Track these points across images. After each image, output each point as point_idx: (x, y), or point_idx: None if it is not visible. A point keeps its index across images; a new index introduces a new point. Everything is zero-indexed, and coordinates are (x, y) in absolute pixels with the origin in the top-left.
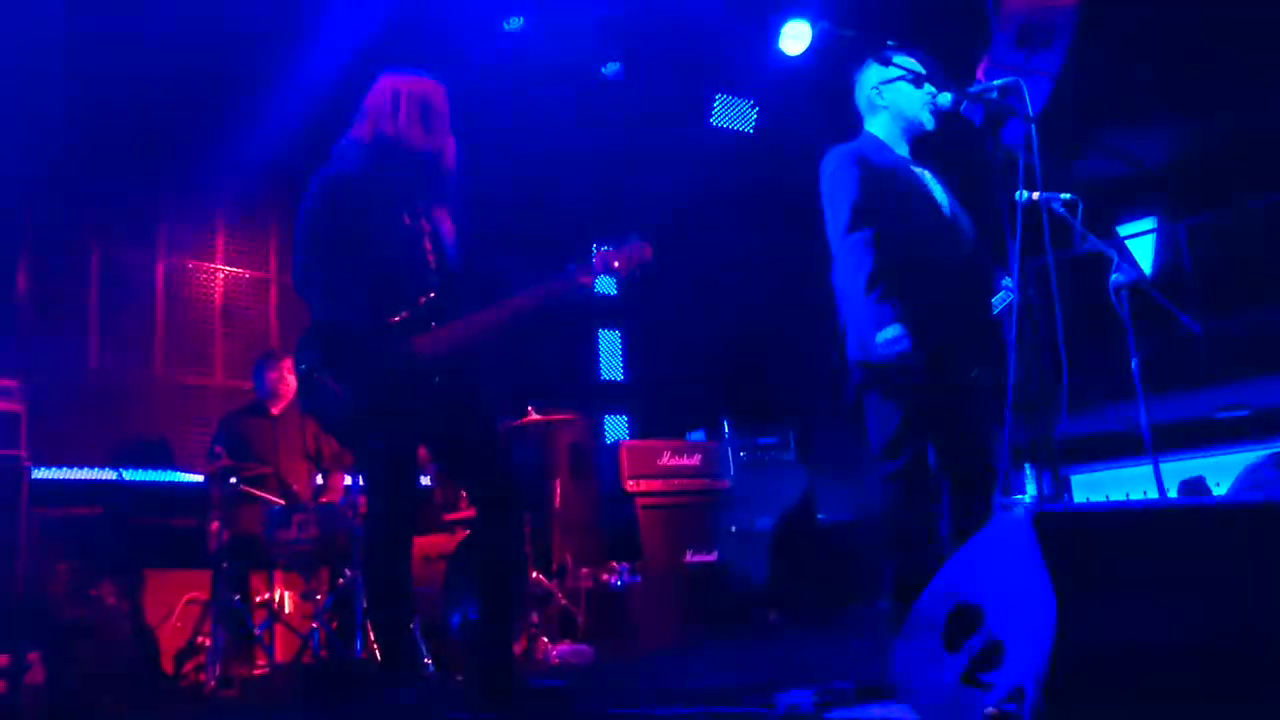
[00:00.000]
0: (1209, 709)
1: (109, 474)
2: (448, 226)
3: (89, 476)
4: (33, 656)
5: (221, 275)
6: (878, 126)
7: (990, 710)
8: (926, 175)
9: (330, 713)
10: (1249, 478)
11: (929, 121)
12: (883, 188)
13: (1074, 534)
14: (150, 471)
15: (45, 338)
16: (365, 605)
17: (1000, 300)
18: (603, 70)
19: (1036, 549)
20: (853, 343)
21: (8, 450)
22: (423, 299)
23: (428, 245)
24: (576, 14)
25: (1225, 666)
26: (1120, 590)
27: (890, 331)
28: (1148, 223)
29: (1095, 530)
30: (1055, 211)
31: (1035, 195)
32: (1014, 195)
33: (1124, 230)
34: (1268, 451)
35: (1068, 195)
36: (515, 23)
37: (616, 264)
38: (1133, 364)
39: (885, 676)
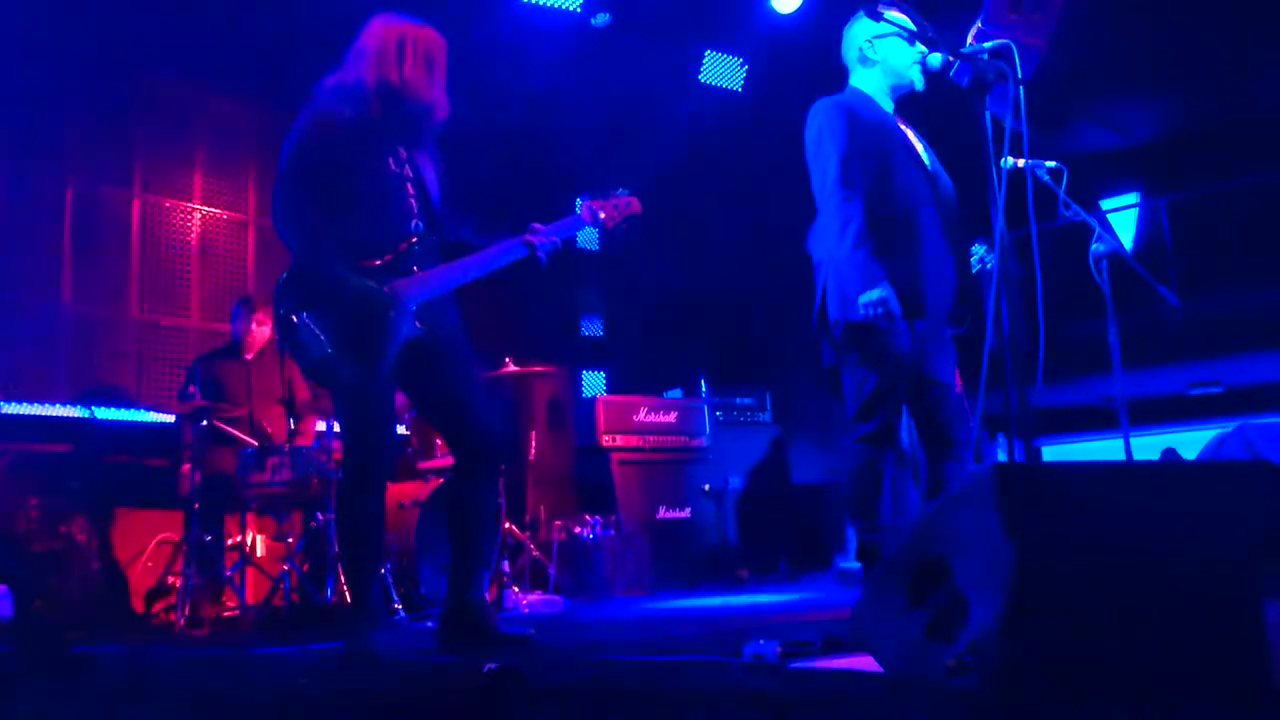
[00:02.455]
0: (1162, 663)
1: (81, 412)
2: (432, 173)
3: (61, 414)
4: (1, 589)
5: (199, 215)
6: (865, 81)
7: (950, 663)
8: (910, 134)
9: (300, 654)
10: (1214, 450)
11: (919, 81)
12: (870, 142)
13: (1037, 491)
14: (122, 410)
15: (18, 273)
16: (337, 548)
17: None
18: (592, 21)
19: (1000, 505)
20: (834, 300)
21: None
22: (404, 244)
23: (411, 190)
24: None
25: (1178, 622)
26: (1080, 547)
27: (875, 293)
28: (1130, 197)
29: (1057, 487)
30: (1040, 179)
31: (1020, 162)
32: (999, 161)
33: (1107, 205)
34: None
35: (1053, 163)
36: None
37: (603, 215)
38: (1109, 332)
39: (851, 630)
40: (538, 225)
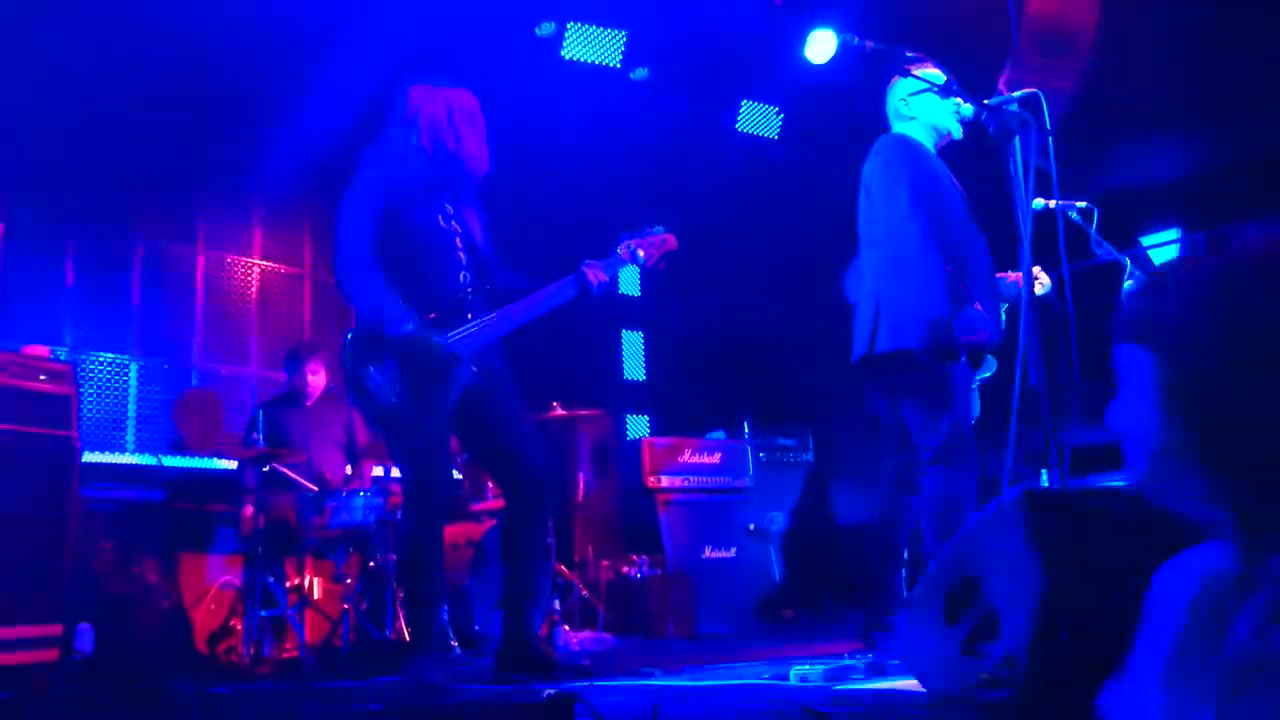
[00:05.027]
0: None
1: (149, 459)
2: (478, 226)
3: (130, 461)
4: (83, 627)
5: (258, 269)
6: (908, 131)
7: (984, 676)
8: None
9: (363, 686)
10: None
11: (957, 131)
12: (930, 180)
13: (1062, 512)
14: (188, 458)
15: (91, 328)
16: (396, 587)
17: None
18: (631, 76)
19: (1029, 525)
20: (891, 329)
21: (60, 430)
22: (456, 295)
23: (460, 244)
24: (607, 19)
25: None
26: (1103, 564)
27: (973, 314)
28: (1172, 233)
29: (1081, 508)
30: (1071, 219)
31: (1052, 203)
32: (1029, 202)
33: (1148, 241)
34: None
35: (1083, 203)
36: (547, 28)
37: (642, 253)
38: None
39: (892, 650)
40: (592, 261)
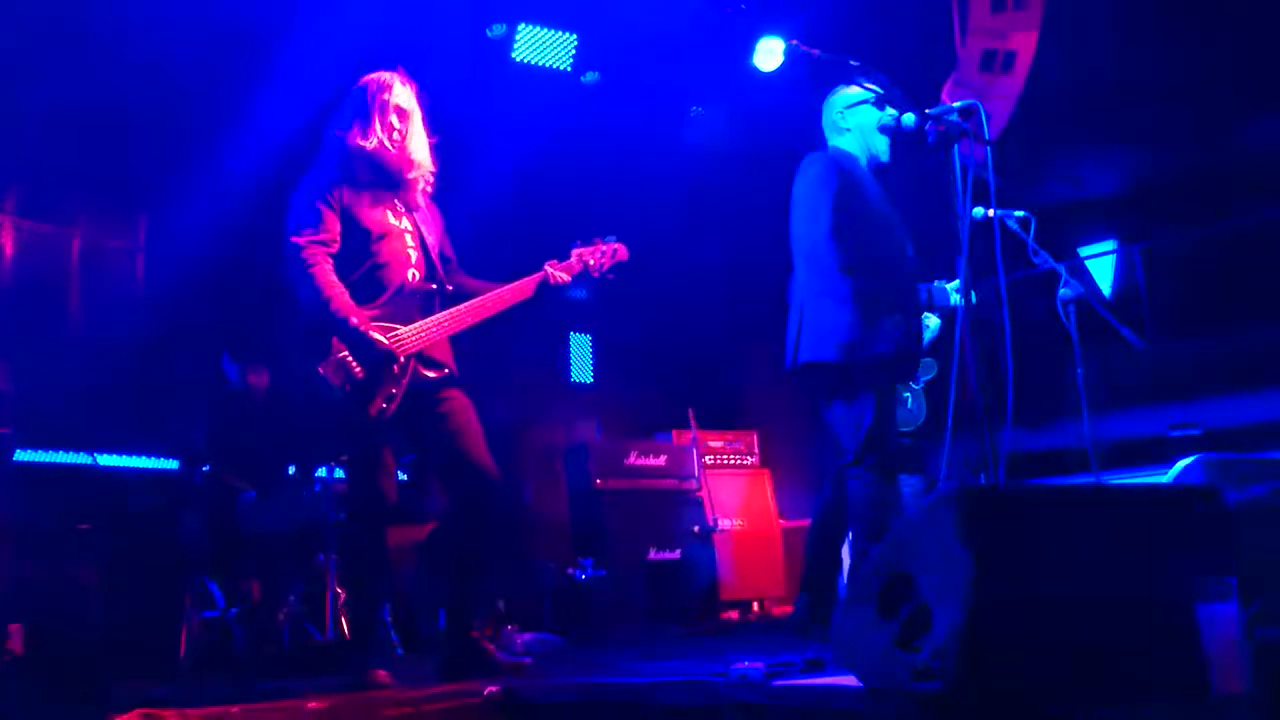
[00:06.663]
0: (1110, 664)
1: (85, 459)
2: (433, 225)
3: (66, 460)
4: (14, 628)
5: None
6: (843, 145)
7: (917, 669)
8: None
9: (304, 686)
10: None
11: (884, 154)
12: (856, 197)
13: (993, 509)
14: (126, 457)
15: (28, 324)
16: (341, 587)
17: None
18: (581, 79)
19: (959, 522)
20: (810, 343)
21: None
22: (403, 293)
23: (410, 242)
24: (558, 22)
25: (1122, 626)
26: (1033, 559)
27: (885, 328)
28: (1108, 244)
29: (1012, 506)
30: (1008, 228)
31: (990, 212)
32: (970, 211)
33: (1085, 251)
34: None
35: (1021, 213)
36: (498, 29)
37: (592, 261)
38: (1077, 376)
39: (829, 646)
40: (554, 261)
